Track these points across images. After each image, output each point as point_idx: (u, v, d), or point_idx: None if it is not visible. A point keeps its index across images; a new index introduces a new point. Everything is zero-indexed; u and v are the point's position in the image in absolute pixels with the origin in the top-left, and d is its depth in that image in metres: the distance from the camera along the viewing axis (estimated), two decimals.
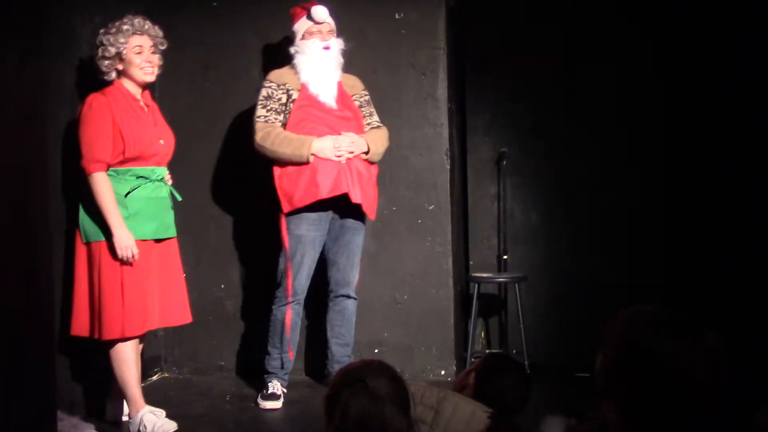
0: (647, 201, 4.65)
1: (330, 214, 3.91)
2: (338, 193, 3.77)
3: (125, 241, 3.30)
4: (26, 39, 2.12)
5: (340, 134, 3.84)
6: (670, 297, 4.32)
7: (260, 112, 3.89)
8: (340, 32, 4.30)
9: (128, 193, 3.39)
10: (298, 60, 3.93)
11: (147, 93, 3.62)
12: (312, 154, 3.77)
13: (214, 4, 4.49)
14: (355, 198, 3.80)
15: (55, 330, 3.42)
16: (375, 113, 4.09)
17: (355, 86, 4.07)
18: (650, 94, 4.65)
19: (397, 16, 4.37)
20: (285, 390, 3.93)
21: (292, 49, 3.97)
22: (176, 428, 3.38)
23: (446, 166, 4.35)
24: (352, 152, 3.83)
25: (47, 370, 2.45)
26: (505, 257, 4.78)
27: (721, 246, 4.46)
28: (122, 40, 3.44)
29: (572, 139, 4.76)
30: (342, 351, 4.02)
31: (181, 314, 3.63)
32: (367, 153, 3.89)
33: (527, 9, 4.80)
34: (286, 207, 3.84)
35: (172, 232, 3.59)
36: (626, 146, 4.69)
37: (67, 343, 3.57)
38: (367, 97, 4.08)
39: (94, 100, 3.41)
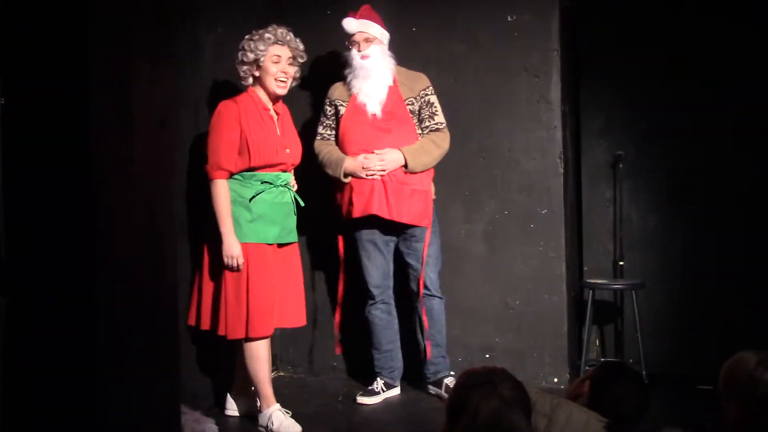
0: None
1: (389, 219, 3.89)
2: (367, 214, 3.83)
3: (232, 251, 3.41)
4: (157, 51, 2.25)
5: (372, 152, 3.84)
6: None
7: (318, 129, 4.05)
8: (453, 35, 4.30)
9: (253, 197, 3.48)
10: (346, 72, 3.98)
11: (280, 101, 3.68)
12: (348, 174, 3.86)
13: (329, 12, 4.57)
14: (390, 216, 3.82)
15: (180, 325, 3.58)
16: (438, 114, 3.99)
17: (414, 88, 3.98)
18: None
19: (509, 18, 4.32)
20: (390, 388, 4.04)
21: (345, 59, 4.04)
22: (300, 430, 3.46)
23: (559, 169, 4.28)
24: (384, 170, 3.83)
25: (172, 365, 2.57)
26: (621, 263, 4.65)
27: None
28: (262, 47, 3.51)
29: (690, 141, 4.58)
30: (435, 351, 4.04)
31: (297, 317, 3.70)
32: (405, 166, 3.86)
33: (642, 8, 4.65)
34: (340, 217, 3.99)
35: (293, 237, 3.66)
36: (746, 149, 4.46)
37: (191, 339, 3.73)
38: (428, 98, 3.99)
39: (224, 108, 3.50)
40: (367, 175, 3.84)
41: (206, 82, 3.94)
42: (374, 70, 3.91)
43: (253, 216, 3.48)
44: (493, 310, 4.33)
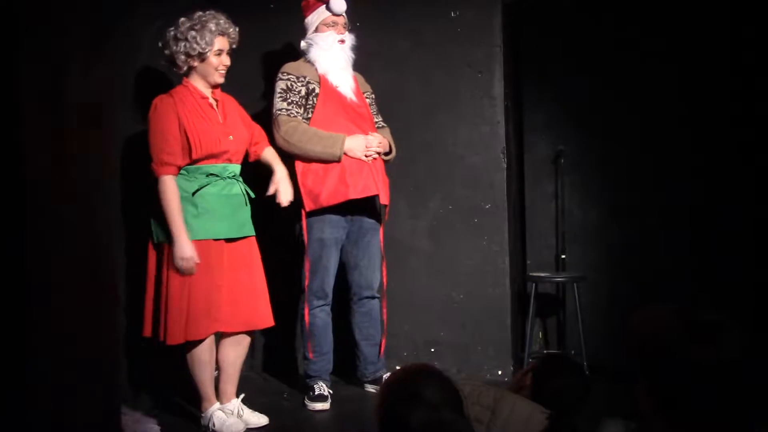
0: (707, 199, 4.53)
1: (349, 215, 3.86)
2: (369, 194, 3.75)
3: (186, 252, 3.21)
4: (92, 45, 2.19)
5: (366, 133, 3.83)
6: (732, 295, 4.22)
7: (281, 105, 3.78)
8: (396, 31, 4.32)
9: (197, 190, 3.32)
10: (314, 52, 3.85)
11: (219, 88, 3.52)
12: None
13: (272, 6, 4.53)
14: (383, 199, 3.81)
15: (119, 327, 3.51)
16: (378, 113, 4.10)
17: (365, 84, 4.06)
18: (713, 90, 4.52)
19: (452, 15, 4.35)
20: (331, 391, 3.89)
21: (304, 42, 3.91)
22: (244, 429, 3.39)
23: (503, 164, 4.32)
24: (379, 153, 3.84)
25: (111, 365, 2.52)
26: (563, 256, 4.72)
27: None
28: (208, 39, 3.38)
29: (631, 136, 4.67)
30: (373, 351, 4.00)
31: (261, 317, 3.50)
32: (387, 154, 3.92)
33: (584, 5, 4.73)
34: (309, 205, 3.75)
35: (248, 230, 3.46)
36: (686, 143, 4.58)
37: (132, 341, 3.66)
38: (373, 96, 4.08)
39: (160, 102, 3.37)
40: (365, 156, 3.77)
41: (144, 77, 3.86)
42: (346, 56, 3.88)
43: (199, 211, 3.31)
44: (438, 304, 4.35)
